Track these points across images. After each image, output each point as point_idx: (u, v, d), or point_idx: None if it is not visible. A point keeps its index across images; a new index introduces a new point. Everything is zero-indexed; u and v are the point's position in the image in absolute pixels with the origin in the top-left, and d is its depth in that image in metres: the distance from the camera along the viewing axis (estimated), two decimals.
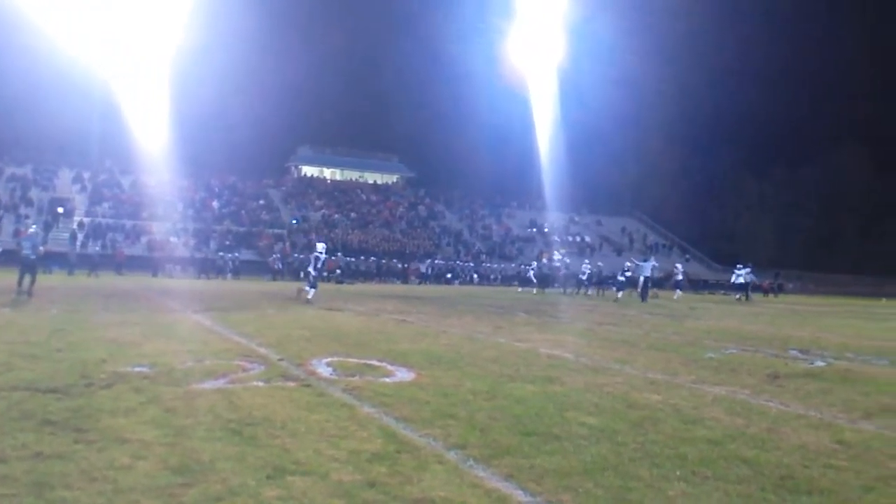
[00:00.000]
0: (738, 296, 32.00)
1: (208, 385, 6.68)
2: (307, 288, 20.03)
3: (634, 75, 65.41)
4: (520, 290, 36.62)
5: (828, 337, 14.63)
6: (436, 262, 47.61)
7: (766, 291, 42.01)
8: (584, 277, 34.45)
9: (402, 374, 7.70)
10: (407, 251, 50.22)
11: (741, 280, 31.91)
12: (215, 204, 52.24)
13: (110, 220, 46.50)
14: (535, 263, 40.52)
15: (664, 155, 74.28)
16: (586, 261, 37.78)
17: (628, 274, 29.52)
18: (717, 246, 68.03)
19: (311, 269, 20.22)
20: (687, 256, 59.93)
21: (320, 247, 20.55)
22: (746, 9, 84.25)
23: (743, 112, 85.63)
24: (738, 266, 32.69)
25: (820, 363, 10.16)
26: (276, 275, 40.91)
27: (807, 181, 71.72)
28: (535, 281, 36.00)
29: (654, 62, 75.22)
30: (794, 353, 11.43)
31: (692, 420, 5.98)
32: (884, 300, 31.40)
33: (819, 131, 79.36)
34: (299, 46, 72.05)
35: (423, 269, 46.32)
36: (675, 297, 31.56)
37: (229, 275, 40.19)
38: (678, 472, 4.43)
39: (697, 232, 69.07)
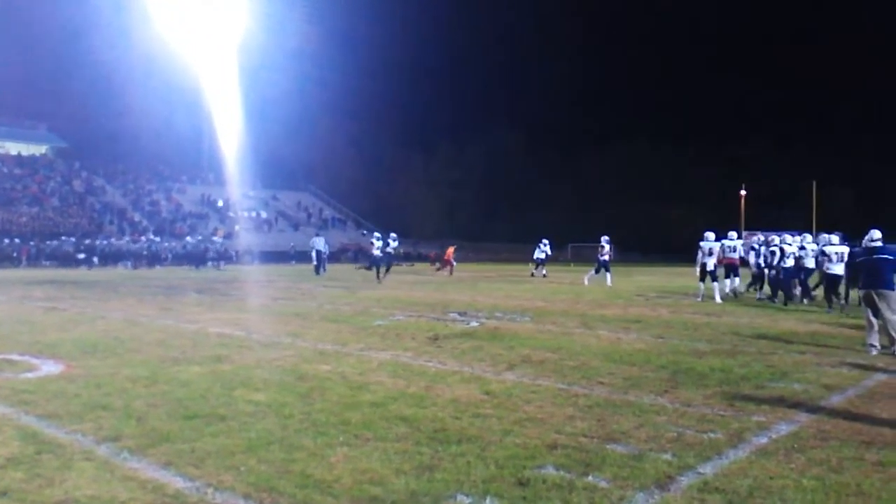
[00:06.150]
0: (544, 271, 30.95)
1: None
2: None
3: (310, 52, 65.39)
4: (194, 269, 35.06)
5: (482, 300, 16.23)
6: (97, 242, 43.28)
7: (432, 261, 45.04)
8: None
9: (49, 368, 6.93)
10: (62, 231, 45.08)
11: (541, 255, 30.89)
12: None
13: None
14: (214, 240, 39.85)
15: (337, 131, 76.03)
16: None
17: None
18: (389, 219, 71.72)
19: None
20: (363, 231, 62.04)
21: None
22: (416, 7, 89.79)
23: (409, 94, 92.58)
24: (542, 242, 31.63)
25: (474, 323, 11.24)
26: None
27: (470, 159, 78.73)
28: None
29: (327, 42, 76.12)
30: (453, 315, 12.48)
31: (358, 386, 6.22)
32: (530, 265, 35.41)
33: (479, 115, 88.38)
34: None
35: (82, 250, 41.88)
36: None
37: None
38: (341, 438, 4.58)
39: (371, 206, 71.96)
